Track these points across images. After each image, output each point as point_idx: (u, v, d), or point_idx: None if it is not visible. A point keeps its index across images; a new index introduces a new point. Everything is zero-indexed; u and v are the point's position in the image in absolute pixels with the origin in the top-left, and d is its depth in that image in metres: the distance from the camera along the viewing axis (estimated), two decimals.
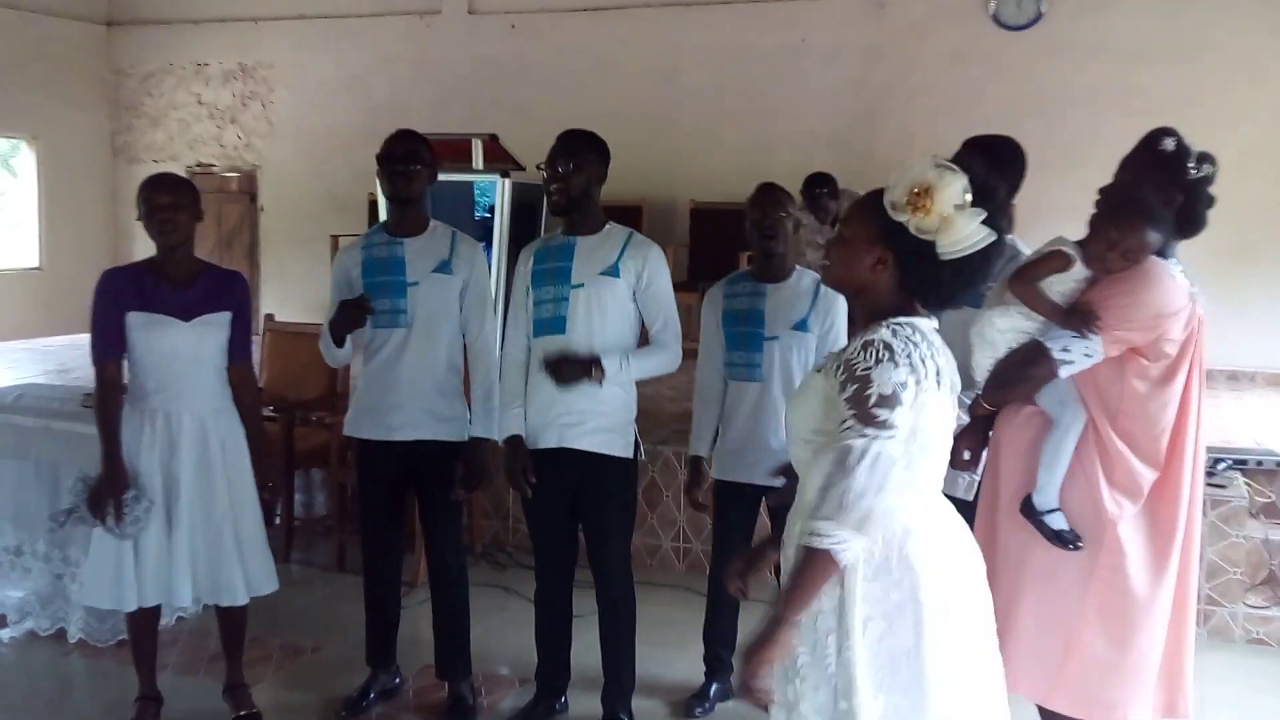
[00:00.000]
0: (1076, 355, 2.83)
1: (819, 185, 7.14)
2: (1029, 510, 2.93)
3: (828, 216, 7.23)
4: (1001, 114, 8.21)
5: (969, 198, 2.13)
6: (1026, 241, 3.45)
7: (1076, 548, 2.89)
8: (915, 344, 2.15)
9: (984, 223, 2.14)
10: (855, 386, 2.13)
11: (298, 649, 4.62)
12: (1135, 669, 2.92)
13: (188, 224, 3.65)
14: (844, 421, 2.13)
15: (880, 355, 2.12)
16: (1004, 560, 2.98)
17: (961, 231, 2.13)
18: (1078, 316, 2.83)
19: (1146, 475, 2.89)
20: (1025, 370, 2.90)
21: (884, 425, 2.10)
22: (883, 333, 2.16)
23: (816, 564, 2.11)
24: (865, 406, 2.11)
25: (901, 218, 2.16)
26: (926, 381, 2.15)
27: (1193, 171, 2.96)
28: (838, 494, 2.09)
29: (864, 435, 2.10)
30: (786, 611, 2.14)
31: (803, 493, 2.28)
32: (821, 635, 2.20)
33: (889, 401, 2.10)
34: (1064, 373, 2.85)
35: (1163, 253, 2.91)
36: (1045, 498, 2.91)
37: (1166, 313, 2.83)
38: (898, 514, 2.17)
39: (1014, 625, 2.92)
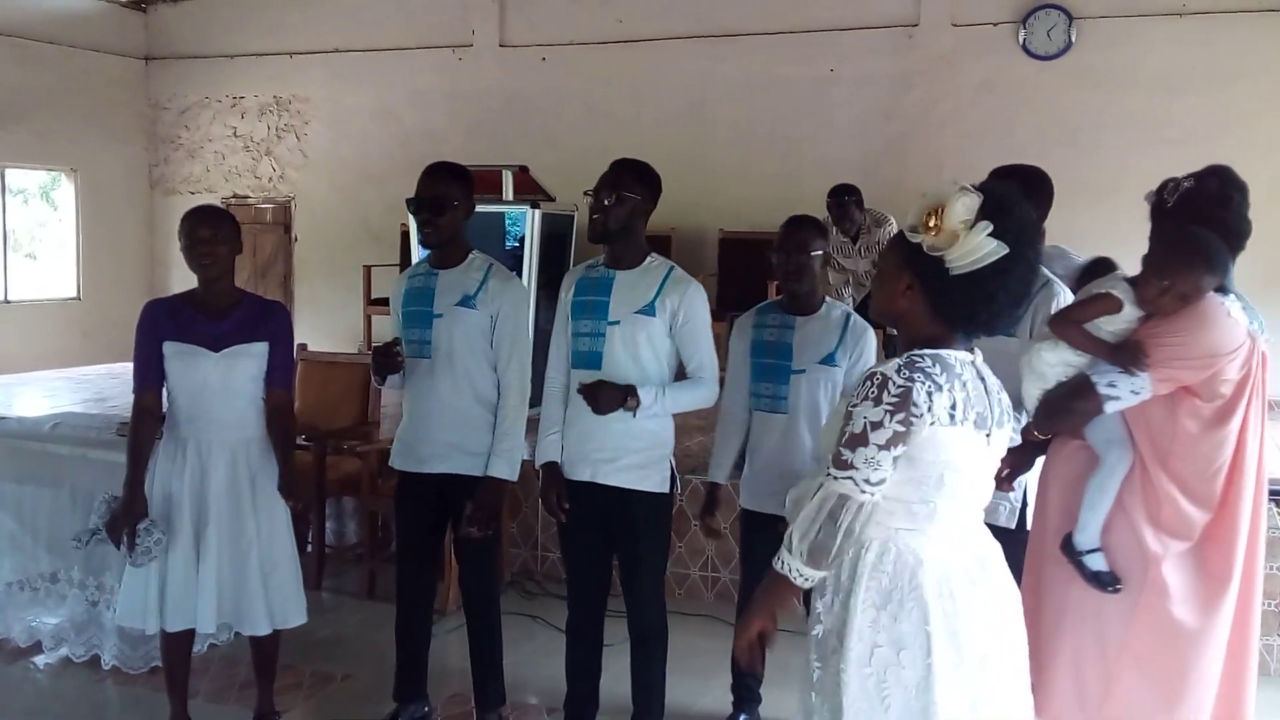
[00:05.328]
0: (1123, 392, 2.79)
1: (845, 194, 7.22)
2: (1069, 549, 2.90)
3: (853, 226, 7.29)
4: (1031, 143, 8.20)
5: (975, 213, 2.15)
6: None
7: (1114, 590, 2.85)
8: (928, 376, 2.16)
9: (997, 237, 2.15)
10: (842, 421, 2.22)
11: (328, 676, 4.63)
12: (1191, 713, 2.85)
13: (226, 257, 3.72)
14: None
15: (869, 392, 2.18)
16: (1047, 595, 2.97)
17: (967, 245, 2.15)
18: (1126, 353, 2.78)
19: (1197, 516, 2.84)
20: (1071, 404, 2.87)
21: (844, 465, 2.19)
22: (890, 365, 2.20)
23: (780, 584, 2.29)
24: (839, 444, 2.20)
25: (917, 239, 2.21)
26: (930, 416, 2.15)
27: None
28: (791, 527, 2.24)
29: (828, 474, 2.21)
30: (753, 614, 2.35)
31: None
32: (828, 654, 2.25)
33: (854, 441, 2.17)
34: (1110, 408, 2.81)
35: (1222, 287, 2.86)
36: (1086, 537, 2.87)
37: (1220, 352, 2.78)
38: (911, 543, 2.20)
39: (1053, 661, 2.90)
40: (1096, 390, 2.81)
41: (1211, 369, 2.78)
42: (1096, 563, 2.87)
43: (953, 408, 2.17)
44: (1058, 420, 2.95)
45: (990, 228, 2.14)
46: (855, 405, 2.18)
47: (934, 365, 2.18)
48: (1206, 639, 2.85)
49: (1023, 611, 3.00)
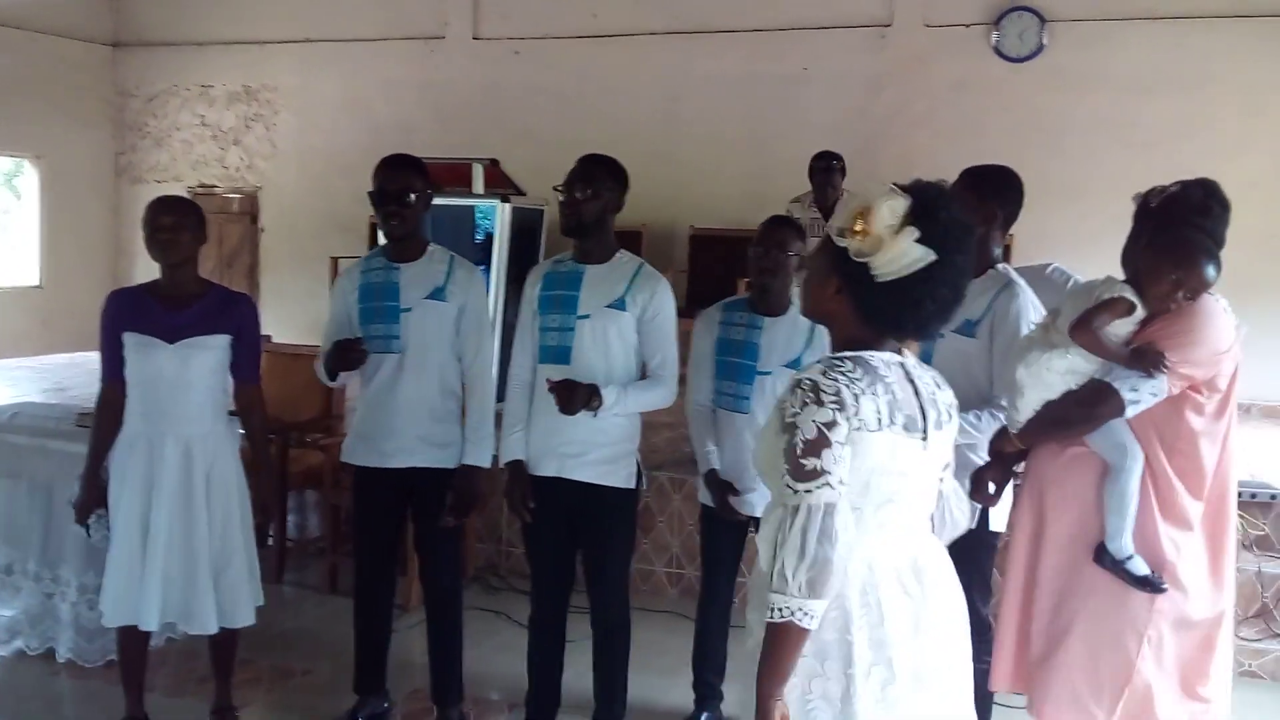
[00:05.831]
0: (1144, 395, 2.83)
1: (833, 158, 7.19)
2: (1104, 559, 2.91)
3: (834, 194, 7.26)
4: (1003, 144, 8.20)
5: (902, 217, 2.08)
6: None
7: (1161, 591, 2.88)
8: (854, 379, 2.08)
9: (925, 242, 2.08)
10: (786, 436, 2.08)
11: (288, 671, 4.59)
12: (1216, 697, 2.96)
13: (189, 245, 3.66)
14: (783, 476, 2.08)
15: (805, 398, 2.07)
16: (1044, 595, 3.02)
17: (892, 251, 2.08)
18: (1145, 357, 2.82)
19: (1195, 507, 2.93)
20: (1091, 410, 2.88)
21: (813, 475, 2.04)
22: (815, 369, 2.11)
23: (782, 636, 2.06)
24: (795, 458, 2.06)
25: (843, 243, 2.14)
26: (858, 419, 2.07)
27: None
28: (779, 564, 2.04)
29: (795, 492, 2.05)
30: (766, 687, 2.08)
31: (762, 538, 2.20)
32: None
33: (815, 446, 2.04)
34: (1131, 412, 2.85)
35: None
36: (1122, 544, 2.89)
37: (1222, 349, 2.87)
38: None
39: (1063, 659, 2.96)
40: (1120, 395, 2.83)
41: (1217, 365, 2.87)
42: (1139, 567, 2.88)
43: (877, 412, 2.09)
44: (1070, 428, 2.94)
45: (917, 234, 2.08)
46: (796, 414, 2.07)
47: (855, 369, 2.10)
48: (1217, 624, 2.96)
49: (1019, 621, 3.08)
